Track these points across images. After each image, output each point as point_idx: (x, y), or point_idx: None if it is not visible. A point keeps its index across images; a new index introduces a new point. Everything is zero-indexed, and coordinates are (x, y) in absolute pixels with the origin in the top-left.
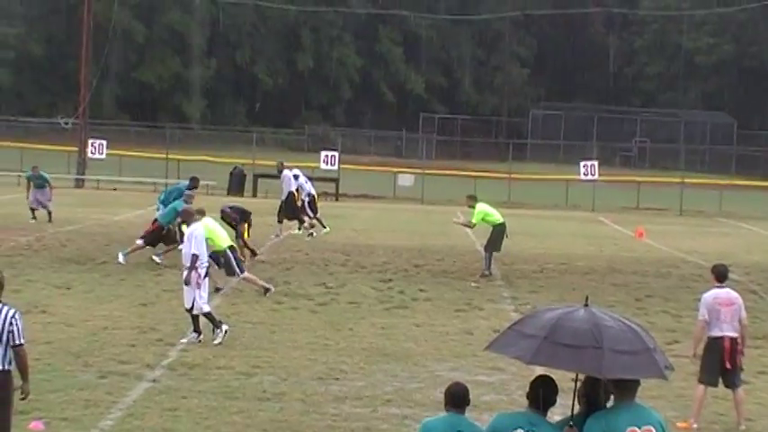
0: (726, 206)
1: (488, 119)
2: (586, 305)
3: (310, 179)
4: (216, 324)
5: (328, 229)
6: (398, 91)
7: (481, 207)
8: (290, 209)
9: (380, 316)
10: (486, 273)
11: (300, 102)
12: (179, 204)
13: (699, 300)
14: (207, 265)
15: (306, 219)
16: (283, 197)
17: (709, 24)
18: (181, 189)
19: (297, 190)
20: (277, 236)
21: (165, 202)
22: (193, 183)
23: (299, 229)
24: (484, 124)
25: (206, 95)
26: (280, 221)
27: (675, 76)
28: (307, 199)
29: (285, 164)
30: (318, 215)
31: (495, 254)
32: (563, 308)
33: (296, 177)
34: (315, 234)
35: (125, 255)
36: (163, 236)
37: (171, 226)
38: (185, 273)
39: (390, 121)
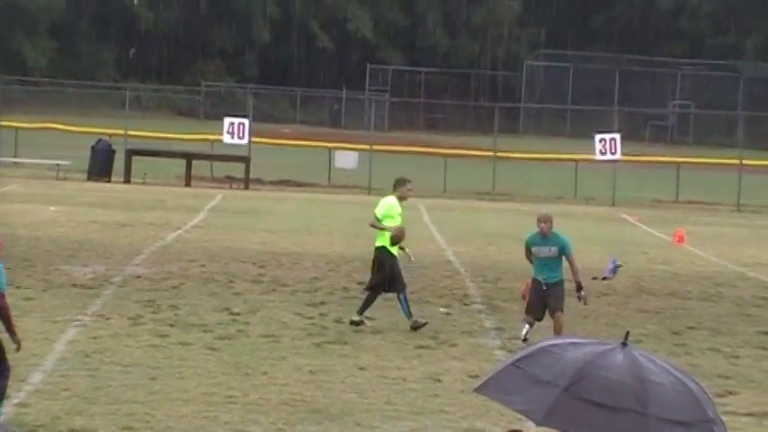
0: None
1: (464, 73)
2: (625, 344)
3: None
4: None
5: None
6: (336, 32)
7: (387, 201)
8: None
9: (308, 355)
10: (417, 322)
11: (195, 47)
12: None
13: (766, 334)
14: None
15: None
16: None
17: None
18: None
19: None
20: None
21: None
22: None
23: None
24: (458, 81)
25: (56, 35)
26: None
27: (731, 12)
28: None
29: None
30: None
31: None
32: (593, 343)
33: None
34: None
35: None
36: None
37: None
38: None
39: (325, 76)
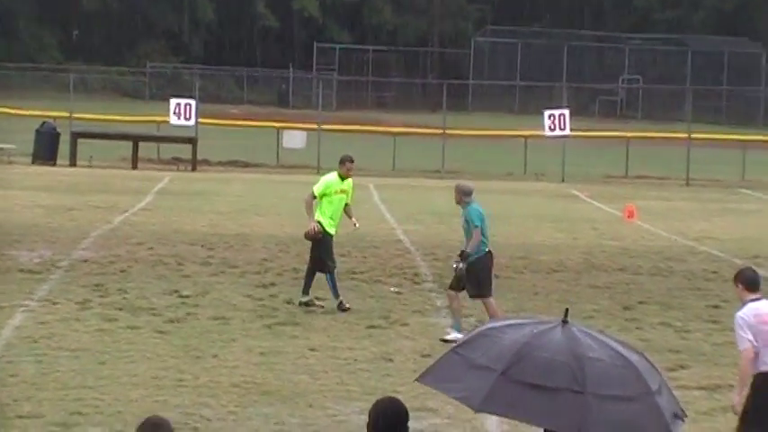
0: (751, 172)
1: (412, 51)
2: (565, 321)
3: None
4: None
5: None
6: (282, 11)
7: (326, 179)
8: None
9: (259, 337)
10: (305, 300)
11: (139, 28)
12: None
13: (716, 308)
14: None
15: None
16: None
17: None
18: None
19: None
20: None
21: None
22: None
23: None
24: (406, 58)
25: None
26: None
27: None
28: None
29: None
30: None
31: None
32: (532, 323)
33: None
34: None
35: None
36: None
37: None
38: None
39: (271, 56)
